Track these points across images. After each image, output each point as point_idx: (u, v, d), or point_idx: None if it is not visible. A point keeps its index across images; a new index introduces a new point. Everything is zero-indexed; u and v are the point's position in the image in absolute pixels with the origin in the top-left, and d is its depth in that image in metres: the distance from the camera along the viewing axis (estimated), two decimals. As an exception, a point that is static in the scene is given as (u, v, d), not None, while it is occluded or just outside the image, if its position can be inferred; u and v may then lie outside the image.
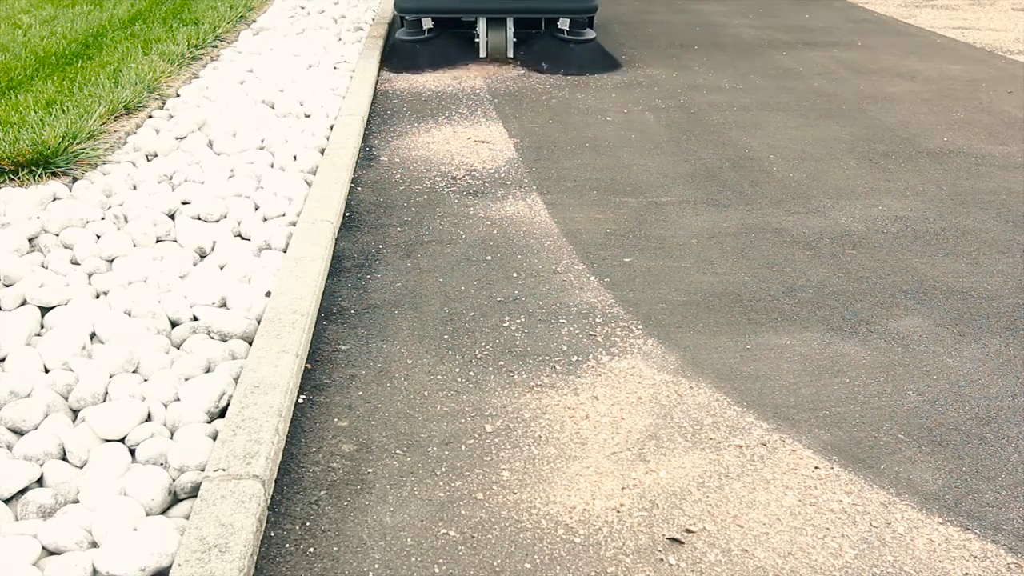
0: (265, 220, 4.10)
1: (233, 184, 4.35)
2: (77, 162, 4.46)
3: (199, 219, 4.07)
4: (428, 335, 3.31)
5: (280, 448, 2.59)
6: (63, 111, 4.92)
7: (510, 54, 7.25)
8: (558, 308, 3.51)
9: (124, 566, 2.10)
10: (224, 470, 2.35)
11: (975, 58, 7.70)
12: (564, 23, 6.97)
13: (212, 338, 3.10)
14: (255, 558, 2.22)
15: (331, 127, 5.34)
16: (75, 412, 2.73)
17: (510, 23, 7.16)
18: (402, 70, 7.03)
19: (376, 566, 2.25)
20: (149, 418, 2.69)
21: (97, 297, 3.38)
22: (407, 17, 7.07)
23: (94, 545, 2.21)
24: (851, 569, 2.26)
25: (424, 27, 7.08)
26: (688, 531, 2.37)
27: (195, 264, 3.68)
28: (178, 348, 3.10)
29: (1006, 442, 2.75)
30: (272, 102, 5.77)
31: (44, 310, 3.26)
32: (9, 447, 2.54)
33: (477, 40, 7.27)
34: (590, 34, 7.13)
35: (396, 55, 7.19)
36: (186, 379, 2.86)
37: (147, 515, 2.32)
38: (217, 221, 4.06)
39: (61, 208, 3.95)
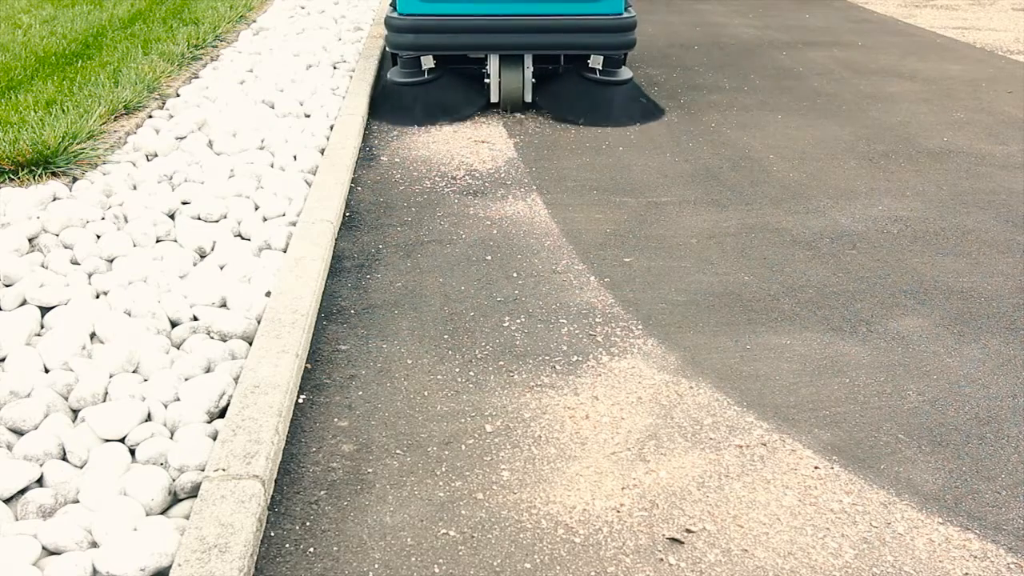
0: (265, 220, 4.10)
1: (233, 184, 4.35)
2: (77, 162, 4.45)
3: (199, 219, 4.07)
4: (428, 335, 3.31)
5: (280, 448, 2.59)
6: (63, 111, 4.91)
7: (528, 98, 5.94)
8: (558, 308, 3.51)
9: (124, 566, 2.10)
10: (224, 470, 2.35)
11: (975, 58, 7.70)
12: (596, 61, 5.76)
13: (212, 338, 3.10)
14: (255, 558, 2.22)
15: (331, 127, 5.34)
16: (75, 412, 2.73)
17: (528, 61, 5.83)
18: (394, 122, 5.79)
19: (376, 566, 2.25)
20: (149, 418, 2.69)
21: (97, 297, 3.38)
22: (402, 55, 5.80)
23: (94, 545, 2.21)
24: (851, 569, 2.26)
25: (423, 67, 5.82)
26: (688, 531, 2.37)
27: (195, 264, 3.68)
28: (178, 348, 3.10)
29: (1006, 442, 2.75)
30: (272, 102, 5.77)
31: (44, 310, 3.26)
32: (9, 447, 2.54)
33: (487, 81, 5.94)
34: (625, 73, 5.92)
35: (388, 102, 5.95)
36: (186, 379, 2.86)
37: (147, 515, 2.32)
38: (217, 221, 4.06)
39: (61, 208, 3.95)
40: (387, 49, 5.96)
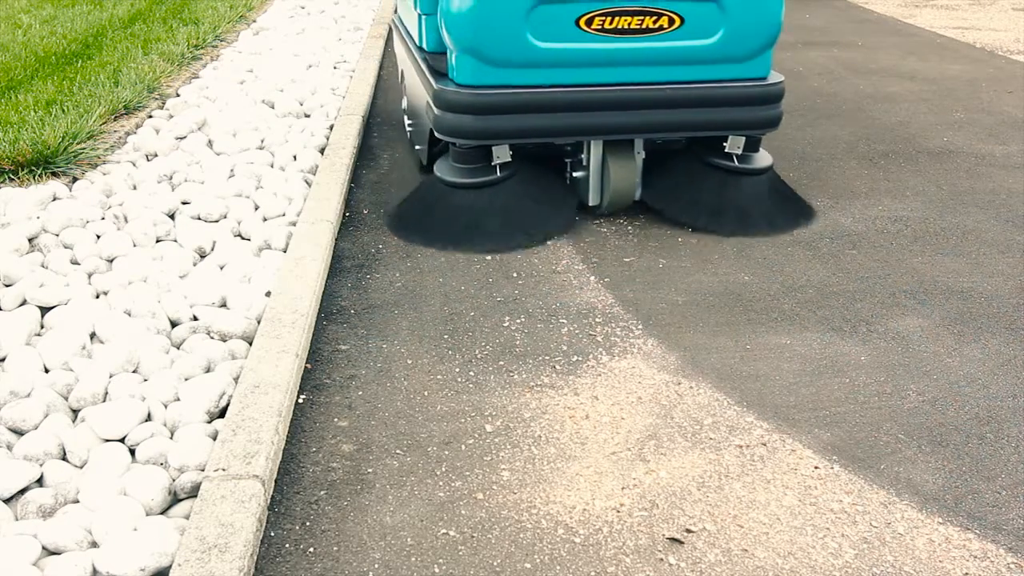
0: (265, 220, 4.10)
1: (233, 184, 4.35)
2: (77, 162, 4.46)
3: (199, 219, 4.07)
4: (428, 335, 3.31)
5: (280, 448, 2.59)
6: (63, 111, 4.92)
7: (637, 195, 4.29)
8: (558, 308, 3.51)
9: (124, 566, 2.10)
10: (224, 470, 2.35)
11: (975, 58, 7.70)
12: (735, 144, 4.12)
13: (212, 338, 3.10)
14: (255, 558, 2.22)
15: (331, 127, 5.34)
16: (75, 412, 2.73)
17: (639, 146, 4.19)
18: (451, 247, 3.97)
19: (376, 566, 2.25)
20: (149, 418, 2.69)
21: (97, 297, 3.38)
22: (457, 143, 3.97)
23: (94, 545, 2.21)
24: (851, 569, 2.26)
25: (496, 160, 4.00)
26: (688, 531, 2.37)
27: (195, 264, 3.68)
28: (178, 348, 3.10)
29: (1006, 442, 2.75)
30: (272, 102, 5.78)
31: (44, 310, 3.26)
32: (9, 447, 2.54)
33: (576, 175, 4.26)
34: (765, 159, 4.25)
35: (436, 216, 4.09)
36: (186, 379, 2.86)
37: (147, 515, 2.32)
38: (217, 221, 4.07)
39: (61, 208, 3.95)
40: (435, 135, 4.05)
